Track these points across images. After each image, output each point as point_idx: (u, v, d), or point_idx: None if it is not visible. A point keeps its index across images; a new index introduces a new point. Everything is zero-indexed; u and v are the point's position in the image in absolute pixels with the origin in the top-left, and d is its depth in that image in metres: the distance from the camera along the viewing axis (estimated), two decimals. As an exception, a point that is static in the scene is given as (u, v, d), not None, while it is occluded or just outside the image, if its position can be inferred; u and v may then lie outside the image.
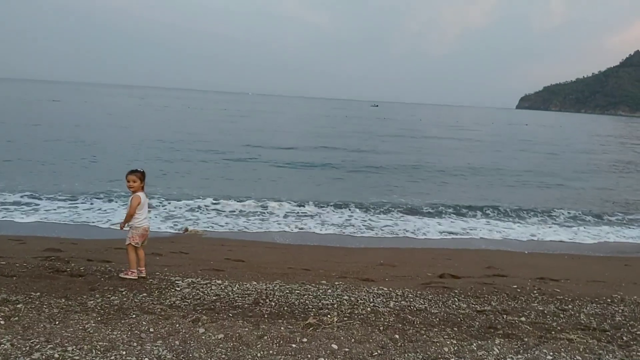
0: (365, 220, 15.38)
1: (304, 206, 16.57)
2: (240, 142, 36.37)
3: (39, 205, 15.22)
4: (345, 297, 6.81)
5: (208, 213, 15.46)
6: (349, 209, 16.62)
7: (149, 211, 7.70)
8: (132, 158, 26.19)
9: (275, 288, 7.17)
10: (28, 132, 35.90)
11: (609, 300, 7.33)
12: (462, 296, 7.14)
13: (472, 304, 6.82)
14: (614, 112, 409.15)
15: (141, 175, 7.30)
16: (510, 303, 6.97)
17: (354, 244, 12.96)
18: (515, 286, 7.79)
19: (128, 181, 7.23)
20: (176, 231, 13.16)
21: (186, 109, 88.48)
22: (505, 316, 6.38)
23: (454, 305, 6.70)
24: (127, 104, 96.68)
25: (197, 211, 15.56)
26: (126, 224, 7.27)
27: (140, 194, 7.28)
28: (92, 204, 15.66)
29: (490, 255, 11.67)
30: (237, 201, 16.74)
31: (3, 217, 13.89)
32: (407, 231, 14.45)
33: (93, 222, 13.85)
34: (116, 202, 15.87)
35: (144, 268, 7.41)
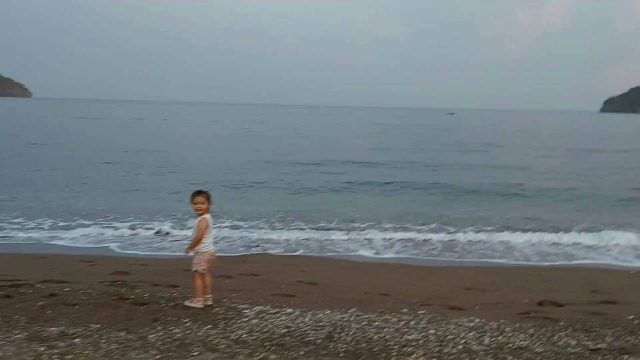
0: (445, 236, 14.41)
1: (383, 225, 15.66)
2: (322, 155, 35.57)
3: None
4: (432, 331, 5.98)
5: (283, 230, 14.87)
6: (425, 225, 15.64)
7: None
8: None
9: (351, 319, 6.45)
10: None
11: None
12: (570, 330, 6.13)
13: (583, 340, 5.80)
14: None
15: (208, 197, 6.83)
16: (628, 339, 5.89)
17: (434, 261, 12.04)
18: (631, 317, 6.69)
19: (195, 203, 6.75)
20: (249, 252, 12.65)
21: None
22: (625, 356, 5.36)
23: (560, 342, 5.71)
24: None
25: (270, 229, 15.05)
26: (192, 249, 6.78)
27: (208, 217, 6.79)
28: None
29: (591, 275, 10.43)
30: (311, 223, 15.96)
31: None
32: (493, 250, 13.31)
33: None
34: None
35: (210, 295, 6.88)
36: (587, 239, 14.27)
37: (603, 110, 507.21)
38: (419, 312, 6.90)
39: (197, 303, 6.75)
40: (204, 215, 6.75)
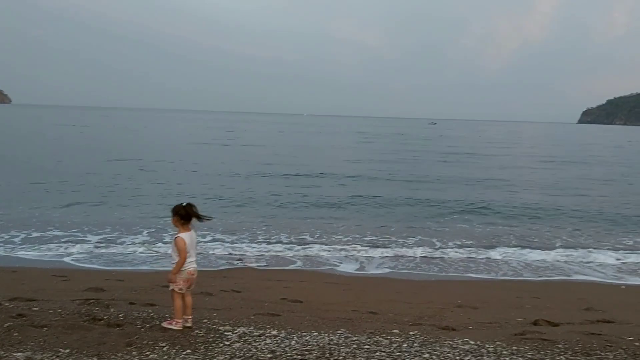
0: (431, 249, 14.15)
1: (363, 236, 15.38)
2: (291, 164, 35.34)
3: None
4: (426, 355, 5.64)
5: (264, 244, 14.48)
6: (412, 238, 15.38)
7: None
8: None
9: (340, 341, 6.07)
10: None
11: None
12: (570, 353, 5.81)
13: (585, 365, 5.51)
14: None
15: (183, 211, 6.32)
16: (631, 364, 5.62)
17: (421, 276, 11.73)
18: (631, 338, 6.40)
19: (171, 218, 6.33)
20: (231, 266, 12.23)
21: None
22: (630, 383, 5.07)
23: (562, 368, 5.41)
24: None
25: (252, 242, 14.64)
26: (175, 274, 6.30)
27: (185, 235, 6.31)
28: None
29: (583, 292, 10.21)
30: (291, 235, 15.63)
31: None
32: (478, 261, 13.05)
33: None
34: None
35: (190, 317, 6.44)
36: (572, 254, 14.09)
37: (581, 121, 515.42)
38: (411, 332, 6.55)
39: (175, 325, 6.32)
40: (180, 234, 6.28)
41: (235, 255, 13.22)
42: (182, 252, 6.20)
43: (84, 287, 8.73)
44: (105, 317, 6.62)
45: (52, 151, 41.42)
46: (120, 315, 6.74)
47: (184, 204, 6.34)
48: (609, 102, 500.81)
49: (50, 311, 6.78)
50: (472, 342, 6.17)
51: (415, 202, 22.17)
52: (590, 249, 14.46)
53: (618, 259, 13.39)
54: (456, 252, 14.01)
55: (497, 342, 6.21)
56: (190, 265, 6.33)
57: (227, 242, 14.44)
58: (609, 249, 14.55)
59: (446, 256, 13.61)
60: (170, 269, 6.30)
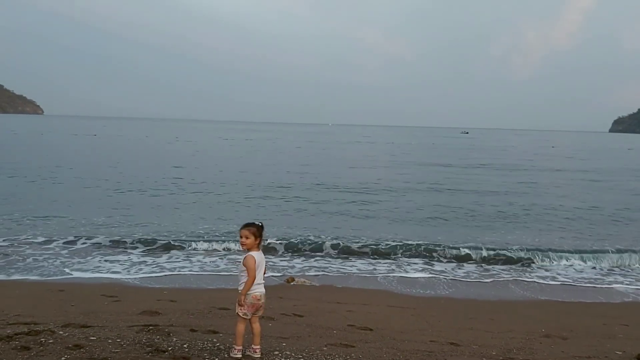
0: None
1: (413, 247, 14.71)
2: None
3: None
4: (536, 402, 4.95)
5: (313, 260, 13.96)
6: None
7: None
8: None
9: (432, 381, 5.42)
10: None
11: None
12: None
13: None
14: None
15: (256, 231, 5.80)
16: None
17: (486, 297, 11.02)
18: None
19: (240, 237, 5.77)
20: (280, 281, 11.69)
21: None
22: None
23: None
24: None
25: (303, 256, 14.16)
26: (245, 294, 5.74)
27: (255, 253, 5.78)
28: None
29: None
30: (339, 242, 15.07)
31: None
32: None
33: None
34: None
35: (259, 347, 5.87)
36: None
37: (612, 130, 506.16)
38: (505, 370, 5.88)
39: (236, 353, 5.76)
40: (250, 252, 5.75)
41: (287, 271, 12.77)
42: (250, 271, 5.66)
43: (137, 309, 8.21)
44: (170, 348, 6.06)
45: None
46: (185, 345, 6.17)
47: (259, 223, 5.83)
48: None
49: (109, 340, 6.24)
50: (581, 385, 5.46)
51: (468, 212, 21.44)
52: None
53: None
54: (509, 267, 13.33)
55: (609, 385, 5.50)
56: (257, 289, 5.78)
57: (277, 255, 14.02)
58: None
59: (499, 273, 12.94)
60: (234, 288, 5.75)
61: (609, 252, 14.85)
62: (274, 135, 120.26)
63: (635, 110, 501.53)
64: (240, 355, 5.75)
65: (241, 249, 5.89)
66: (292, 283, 11.63)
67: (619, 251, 14.93)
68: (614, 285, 12.30)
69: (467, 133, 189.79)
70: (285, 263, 13.50)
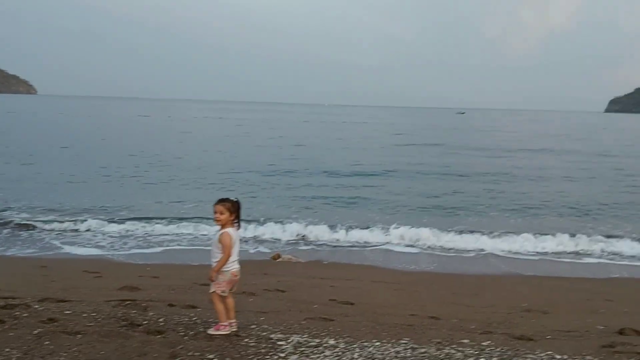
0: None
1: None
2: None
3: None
4: (511, 374, 4.91)
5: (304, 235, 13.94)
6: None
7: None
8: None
9: (408, 354, 5.37)
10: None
11: None
12: (679, 373, 5.05)
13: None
14: None
15: (231, 206, 5.68)
16: None
17: (473, 273, 11.01)
18: None
19: (214, 212, 5.66)
20: (269, 259, 11.63)
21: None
22: None
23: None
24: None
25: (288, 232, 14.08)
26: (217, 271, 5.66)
27: (231, 230, 5.68)
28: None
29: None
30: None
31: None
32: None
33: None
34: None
35: (235, 321, 5.82)
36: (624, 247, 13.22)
37: (608, 110, 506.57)
38: (483, 343, 5.83)
39: (223, 329, 5.70)
40: (226, 229, 5.64)
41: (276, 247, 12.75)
42: (227, 249, 5.57)
43: (117, 285, 8.14)
44: (145, 322, 6.01)
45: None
46: (160, 320, 6.12)
47: (235, 199, 5.72)
48: (638, 90, 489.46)
49: (84, 315, 6.18)
50: (559, 357, 5.43)
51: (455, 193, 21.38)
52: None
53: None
54: (499, 243, 13.25)
55: (587, 357, 5.46)
56: (234, 265, 5.71)
57: (262, 232, 13.96)
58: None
59: (489, 249, 12.90)
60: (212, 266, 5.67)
61: (596, 230, 14.89)
62: (275, 115, 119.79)
63: (632, 90, 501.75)
64: (229, 332, 5.70)
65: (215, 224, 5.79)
66: (278, 260, 11.59)
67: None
68: (600, 261, 12.31)
69: (464, 113, 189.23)
70: (271, 240, 13.43)
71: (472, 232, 14.16)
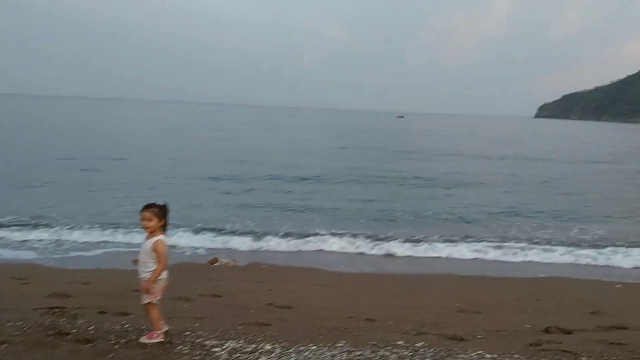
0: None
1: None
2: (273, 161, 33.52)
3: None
4: (443, 374, 5.03)
5: (237, 237, 13.74)
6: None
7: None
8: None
9: (344, 357, 5.42)
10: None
11: None
12: (596, 367, 5.30)
13: (619, 383, 4.98)
14: (635, 120, 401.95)
15: (158, 212, 5.50)
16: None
17: (410, 274, 11.20)
18: (656, 348, 5.94)
19: (142, 219, 5.47)
20: (205, 264, 11.39)
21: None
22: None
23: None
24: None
25: (227, 235, 13.89)
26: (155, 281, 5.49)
27: (163, 237, 5.52)
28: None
29: (580, 291, 9.79)
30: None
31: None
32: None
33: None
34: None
35: (166, 327, 5.69)
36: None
37: (537, 115, 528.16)
38: (417, 344, 5.96)
39: (157, 337, 5.56)
40: (159, 237, 5.48)
41: (212, 250, 12.52)
42: (163, 257, 5.46)
43: (46, 292, 7.81)
44: (73, 330, 5.80)
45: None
46: (90, 328, 5.92)
47: (163, 204, 5.57)
48: (565, 97, 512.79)
49: (10, 324, 5.91)
50: (489, 356, 5.61)
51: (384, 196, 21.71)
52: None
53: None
54: (435, 247, 13.45)
55: (515, 355, 5.67)
56: (164, 273, 5.56)
57: (198, 236, 13.67)
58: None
59: (422, 252, 13.08)
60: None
61: (528, 230, 15.50)
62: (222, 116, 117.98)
63: (559, 97, 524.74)
64: (164, 338, 5.56)
65: (144, 231, 5.61)
66: (215, 264, 11.41)
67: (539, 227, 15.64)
68: (530, 259, 12.72)
69: (403, 117, 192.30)
70: (208, 244, 13.18)
71: (411, 236, 14.30)
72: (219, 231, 14.26)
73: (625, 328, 6.96)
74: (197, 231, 14.01)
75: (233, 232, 14.17)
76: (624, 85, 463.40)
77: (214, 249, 12.79)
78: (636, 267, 12.25)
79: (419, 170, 30.03)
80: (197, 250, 12.58)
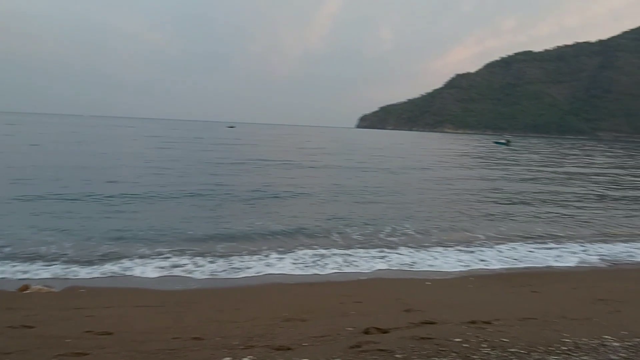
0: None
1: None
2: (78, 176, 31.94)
3: None
4: (269, 386, 5.10)
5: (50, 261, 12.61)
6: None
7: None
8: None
9: (168, 383, 5.26)
10: None
11: (564, 348, 6.41)
12: (410, 363, 5.75)
13: (427, 375, 5.45)
14: (441, 129, 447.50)
15: None
16: (466, 367, 5.71)
17: (235, 285, 11.15)
18: (457, 339, 6.59)
19: None
20: (14, 292, 10.31)
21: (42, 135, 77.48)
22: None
23: (408, 381, 5.27)
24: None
25: (40, 259, 12.67)
26: None
27: None
28: None
29: (396, 290, 10.54)
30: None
31: None
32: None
33: None
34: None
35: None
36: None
37: (358, 126, 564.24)
38: (244, 358, 5.98)
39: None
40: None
41: (23, 276, 11.35)
42: None
43: None
44: None
45: None
46: None
47: None
48: (382, 109, 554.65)
49: None
50: (312, 363, 5.80)
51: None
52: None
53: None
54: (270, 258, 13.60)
55: (337, 359, 5.94)
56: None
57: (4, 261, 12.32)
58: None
59: (251, 265, 13.11)
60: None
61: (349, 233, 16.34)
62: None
63: (377, 109, 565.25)
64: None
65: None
66: (26, 291, 10.41)
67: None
68: (353, 262, 13.35)
69: (234, 127, 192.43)
70: (18, 269, 11.96)
71: (239, 251, 14.25)
72: (30, 255, 13.00)
73: (433, 323, 7.63)
74: (5, 257, 12.66)
75: (46, 256, 12.99)
76: (432, 98, 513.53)
77: (25, 273, 11.63)
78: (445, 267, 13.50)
79: (245, 184, 30.19)
80: (4, 277, 11.37)
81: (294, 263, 13.29)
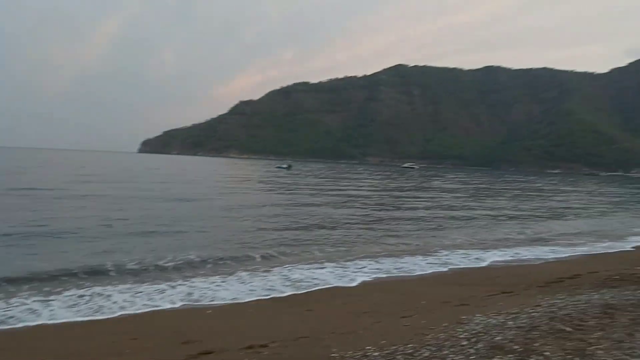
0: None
1: None
2: None
3: None
4: None
5: None
6: None
7: None
8: None
9: None
10: None
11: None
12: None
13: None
14: (226, 154, 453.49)
15: None
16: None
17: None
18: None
19: None
20: None
21: None
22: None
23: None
24: None
25: None
26: None
27: None
28: None
29: (173, 322, 10.38)
30: None
31: None
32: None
33: None
34: None
35: None
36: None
37: (141, 150, 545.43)
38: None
39: None
40: None
41: None
42: None
43: None
44: None
45: None
46: None
47: None
48: (165, 133, 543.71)
49: None
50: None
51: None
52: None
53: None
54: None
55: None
56: None
57: None
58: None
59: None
60: None
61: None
62: None
63: (161, 133, 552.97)
64: None
65: None
66: None
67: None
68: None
69: None
70: None
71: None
72: None
73: (211, 352, 7.72)
74: None
75: None
76: (217, 123, 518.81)
77: None
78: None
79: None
80: None
81: (63, 308, 12.17)
